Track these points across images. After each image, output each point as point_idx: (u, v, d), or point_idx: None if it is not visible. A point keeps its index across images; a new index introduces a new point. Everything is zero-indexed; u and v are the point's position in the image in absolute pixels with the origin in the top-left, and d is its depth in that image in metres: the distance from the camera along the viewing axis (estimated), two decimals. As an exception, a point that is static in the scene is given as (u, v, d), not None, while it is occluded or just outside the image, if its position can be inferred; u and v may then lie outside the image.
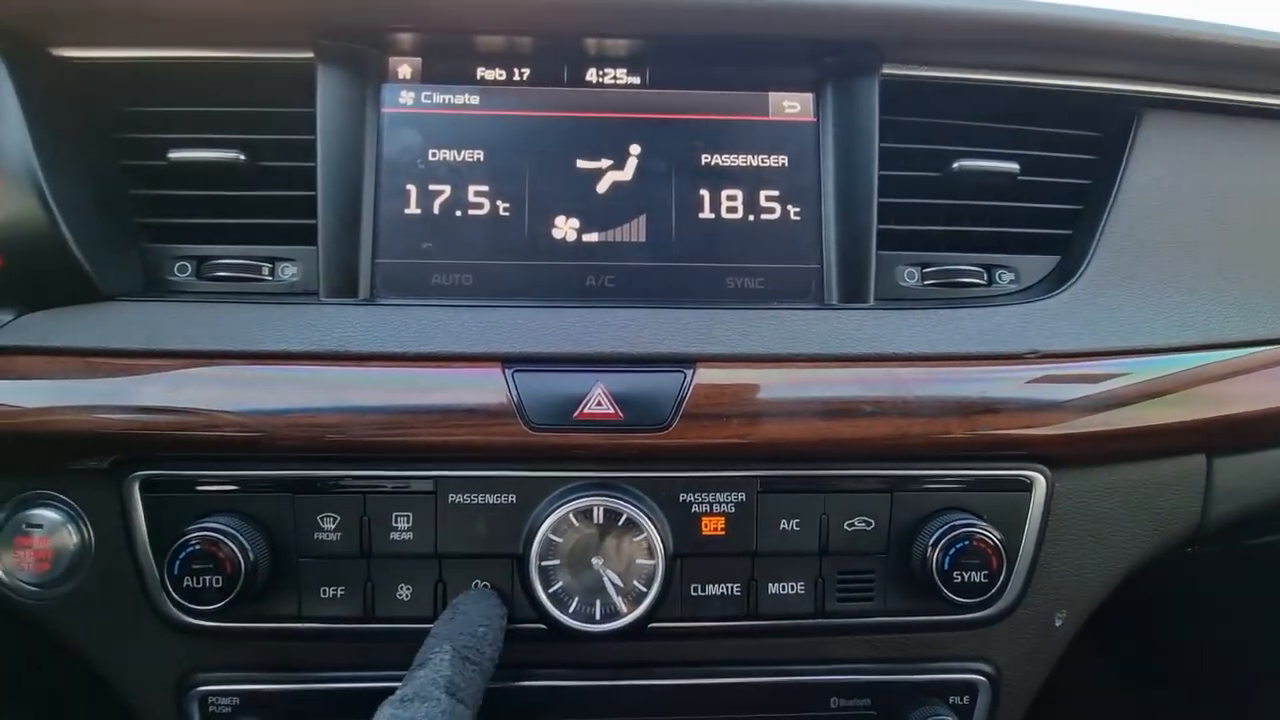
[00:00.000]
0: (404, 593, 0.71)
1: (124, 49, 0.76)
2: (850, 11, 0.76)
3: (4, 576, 0.72)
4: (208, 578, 0.66)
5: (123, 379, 0.69)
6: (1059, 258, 0.82)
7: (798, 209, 0.80)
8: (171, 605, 0.70)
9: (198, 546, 0.66)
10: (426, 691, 0.57)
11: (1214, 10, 0.81)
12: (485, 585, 0.72)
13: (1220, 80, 0.82)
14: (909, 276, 0.82)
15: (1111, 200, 0.80)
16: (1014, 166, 0.81)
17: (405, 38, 0.78)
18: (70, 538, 0.71)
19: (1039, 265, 0.82)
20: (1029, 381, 0.74)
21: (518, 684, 0.76)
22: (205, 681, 0.75)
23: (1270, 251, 0.82)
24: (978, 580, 0.70)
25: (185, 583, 0.67)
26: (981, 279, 0.81)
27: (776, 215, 0.80)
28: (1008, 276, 0.82)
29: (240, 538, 0.67)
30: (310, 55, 0.76)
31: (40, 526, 0.71)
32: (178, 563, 0.66)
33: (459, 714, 0.57)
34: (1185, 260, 0.80)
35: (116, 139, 0.77)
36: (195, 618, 0.70)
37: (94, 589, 0.72)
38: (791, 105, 0.82)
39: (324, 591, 0.71)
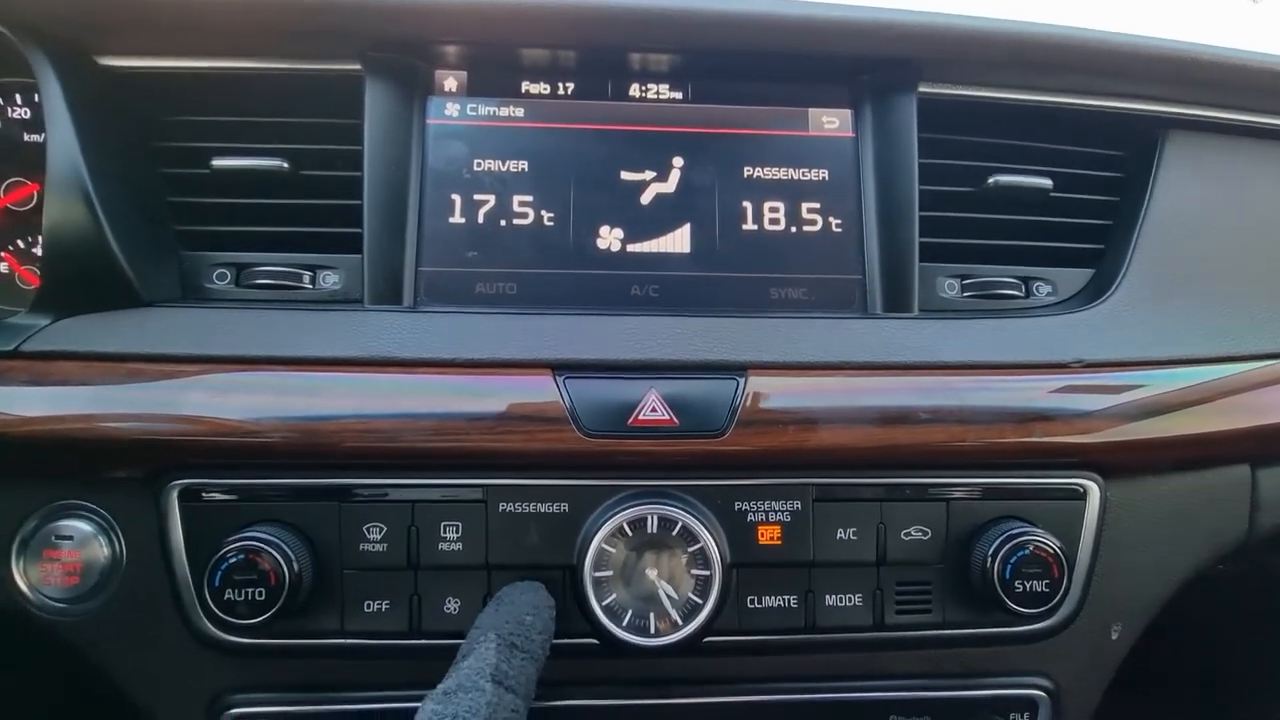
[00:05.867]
0: (452, 606, 0.69)
1: (172, 59, 0.76)
2: (889, 30, 0.78)
3: (29, 592, 0.68)
4: (250, 590, 0.64)
5: (166, 384, 0.67)
6: (1093, 271, 0.84)
7: (839, 221, 0.81)
8: (208, 621, 0.67)
9: (240, 557, 0.64)
10: (471, 682, 0.54)
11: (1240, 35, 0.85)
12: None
13: (1244, 103, 0.85)
14: (949, 288, 0.83)
15: (1142, 216, 0.82)
16: (1047, 182, 0.83)
17: (451, 51, 0.79)
18: (101, 550, 0.68)
19: (1074, 278, 0.84)
20: (1077, 389, 0.74)
21: (565, 703, 0.73)
22: (239, 704, 0.71)
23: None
24: (1039, 589, 0.69)
25: (226, 595, 0.64)
26: (1020, 290, 0.83)
27: (818, 227, 0.80)
28: (1045, 289, 0.83)
29: (285, 547, 0.64)
30: (358, 67, 0.76)
31: (70, 538, 0.68)
32: (219, 575, 0.64)
33: (507, 703, 0.54)
34: (1218, 275, 0.82)
35: (161, 147, 0.77)
36: (233, 634, 0.67)
37: (123, 605, 0.69)
38: (830, 121, 0.83)
39: (368, 605, 0.69)
